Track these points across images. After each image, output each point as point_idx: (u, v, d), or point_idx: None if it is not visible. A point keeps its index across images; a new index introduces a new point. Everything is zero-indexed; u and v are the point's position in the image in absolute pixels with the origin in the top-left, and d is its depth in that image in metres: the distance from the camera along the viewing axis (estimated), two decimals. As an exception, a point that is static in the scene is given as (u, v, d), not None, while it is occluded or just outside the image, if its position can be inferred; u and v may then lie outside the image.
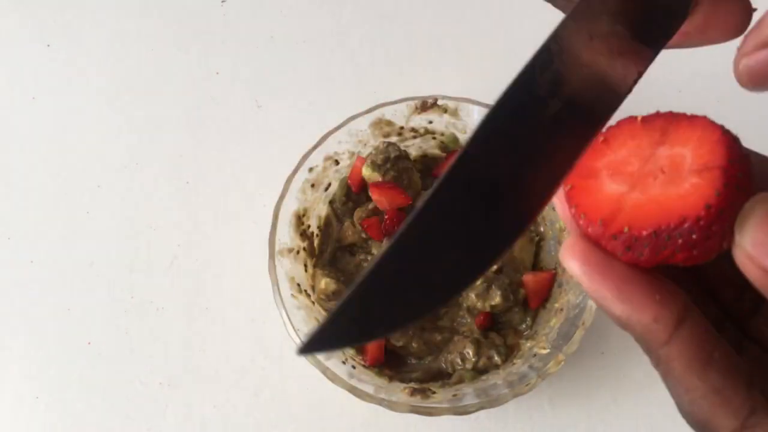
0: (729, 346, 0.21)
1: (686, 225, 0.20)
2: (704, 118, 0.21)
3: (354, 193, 0.56)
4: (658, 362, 0.21)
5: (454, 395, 0.47)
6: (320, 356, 0.46)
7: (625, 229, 0.21)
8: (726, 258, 0.21)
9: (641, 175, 0.21)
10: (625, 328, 0.22)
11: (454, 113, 0.55)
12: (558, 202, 0.23)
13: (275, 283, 0.48)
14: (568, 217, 0.23)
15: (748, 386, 0.21)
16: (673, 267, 0.21)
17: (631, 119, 0.23)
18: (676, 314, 0.21)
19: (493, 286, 0.50)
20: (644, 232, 0.20)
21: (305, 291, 0.51)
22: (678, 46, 0.24)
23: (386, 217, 0.53)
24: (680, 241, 0.20)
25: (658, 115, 0.22)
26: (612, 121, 0.22)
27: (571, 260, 0.22)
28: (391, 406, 0.44)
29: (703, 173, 0.20)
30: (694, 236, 0.20)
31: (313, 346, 0.20)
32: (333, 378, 0.45)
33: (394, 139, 0.56)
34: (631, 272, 0.21)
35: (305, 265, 0.53)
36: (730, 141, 0.20)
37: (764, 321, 0.24)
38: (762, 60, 0.22)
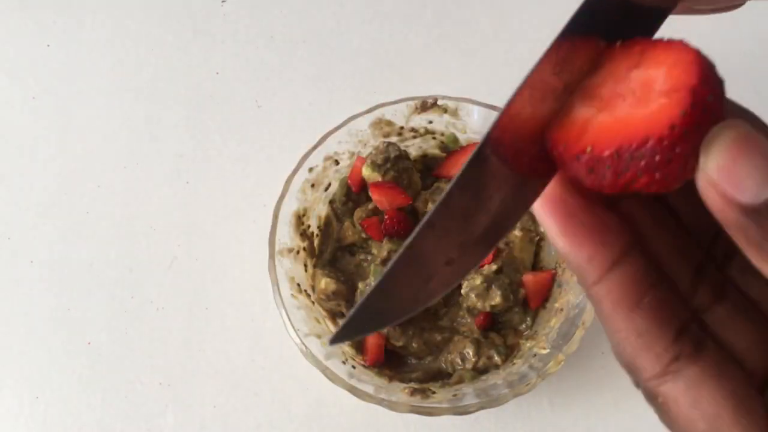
0: (670, 293, 0.21)
1: (649, 145, 0.19)
2: (681, 41, 0.21)
3: (354, 193, 0.56)
4: (590, 299, 0.22)
5: (454, 395, 0.47)
6: (320, 356, 0.46)
7: (588, 149, 0.20)
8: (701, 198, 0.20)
9: (612, 97, 0.21)
10: (566, 263, 0.22)
11: (454, 113, 0.55)
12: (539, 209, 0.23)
13: (275, 283, 0.48)
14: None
15: (678, 334, 0.21)
16: (641, 198, 0.21)
17: (609, 44, 0.22)
18: (611, 256, 0.21)
19: (493, 286, 0.50)
20: (606, 152, 0.20)
21: (305, 291, 0.51)
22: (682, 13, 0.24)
23: (386, 217, 0.53)
24: (642, 162, 0.19)
25: (636, 40, 0.21)
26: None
27: (544, 213, 0.22)
28: (391, 406, 0.44)
29: (671, 94, 0.19)
30: (657, 158, 0.19)
31: (345, 333, 0.21)
32: (333, 378, 0.45)
33: (394, 139, 0.56)
34: (581, 210, 0.21)
35: (305, 265, 0.53)
36: (703, 63, 0.20)
37: (739, 266, 0.24)
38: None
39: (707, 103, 0.19)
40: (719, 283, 0.24)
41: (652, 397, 0.21)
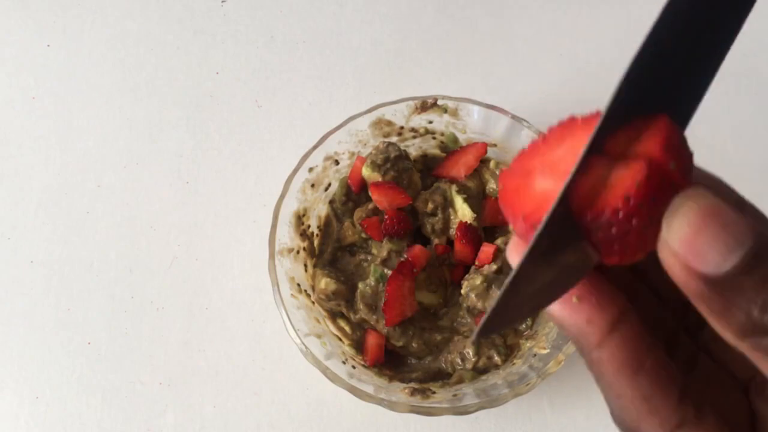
0: (665, 356, 0.21)
1: (604, 217, 0.18)
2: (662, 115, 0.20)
3: (354, 193, 0.56)
4: (590, 365, 0.21)
5: (454, 395, 0.47)
6: (320, 356, 0.46)
7: (521, 218, 0.20)
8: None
9: (568, 170, 0.20)
10: (560, 328, 0.21)
11: (454, 113, 0.55)
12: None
13: (275, 283, 0.48)
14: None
15: (680, 397, 0.20)
16: (623, 274, 0.21)
17: (571, 119, 0.21)
18: (610, 318, 0.21)
19: (493, 286, 0.50)
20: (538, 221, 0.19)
21: (305, 291, 0.51)
22: None
23: (386, 217, 0.53)
24: (600, 234, 0.19)
25: (599, 113, 0.20)
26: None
27: (513, 257, 0.22)
28: (391, 406, 0.44)
29: (631, 164, 0.19)
30: (613, 230, 0.19)
31: (490, 328, 0.20)
32: (333, 378, 0.45)
33: (394, 139, 0.56)
34: None
35: (305, 265, 0.53)
36: (669, 132, 0.19)
37: (710, 334, 0.23)
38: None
39: (666, 174, 0.19)
40: (693, 352, 0.23)
41: None
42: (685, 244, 0.18)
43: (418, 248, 0.52)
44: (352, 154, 0.55)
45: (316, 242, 0.54)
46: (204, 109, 0.64)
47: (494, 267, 0.51)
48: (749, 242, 0.18)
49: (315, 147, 0.53)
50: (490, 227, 0.55)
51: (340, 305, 0.52)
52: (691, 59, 0.21)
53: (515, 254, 0.21)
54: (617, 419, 0.21)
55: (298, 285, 0.51)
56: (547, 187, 0.20)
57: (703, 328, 0.24)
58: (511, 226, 0.21)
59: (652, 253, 0.20)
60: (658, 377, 0.20)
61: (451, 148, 0.57)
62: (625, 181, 0.18)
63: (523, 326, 0.52)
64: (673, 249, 0.18)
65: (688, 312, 0.24)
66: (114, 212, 0.59)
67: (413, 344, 0.51)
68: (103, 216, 0.59)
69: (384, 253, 0.52)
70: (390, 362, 0.51)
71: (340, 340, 0.51)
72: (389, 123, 0.55)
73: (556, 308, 0.21)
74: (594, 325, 0.21)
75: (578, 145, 0.20)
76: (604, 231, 0.19)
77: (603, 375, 0.21)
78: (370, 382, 0.47)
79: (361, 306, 0.51)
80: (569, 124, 0.21)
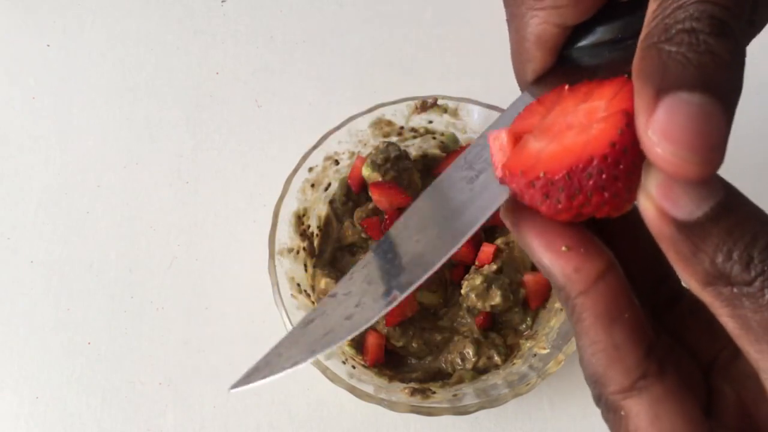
0: (641, 311, 0.22)
1: (594, 163, 0.20)
2: (623, 76, 0.22)
3: (354, 193, 0.56)
4: (572, 311, 0.22)
5: (454, 395, 0.47)
6: (320, 356, 0.46)
7: (541, 174, 0.21)
8: (644, 244, 0.22)
9: (560, 129, 0.22)
10: (548, 276, 0.23)
11: (454, 113, 0.55)
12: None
13: (275, 283, 0.48)
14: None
15: (648, 352, 0.22)
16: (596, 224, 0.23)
17: (560, 87, 0.24)
18: (598, 268, 0.22)
19: (493, 286, 0.50)
20: (558, 175, 0.21)
21: (305, 291, 0.51)
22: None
23: (386, 217, 0.53)
24: (591, 182, 0.21)
25: (585, 82, 0.23)
26: None
27: (505, 216, 0.23)
28: (391, 406, 0.44)
29: (609, 118, 0.21)
30: (603, 175, 0.20)
31: (248, 379, 0.25)
32: (333, 378, 0.45)
33: (394, 139, 0.56)
34: (560, 224, 0.22)
35: (305, 265, 0.53)
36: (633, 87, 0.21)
37: (677, 319, 0.25)
38: (667, 121, 0.20)
39: None
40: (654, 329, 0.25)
41: (613, 410, 0.23)
42: (661, 190, 0.20)
43: (418, 248, 0.52)
44: (352, 154, 0.55)
45: (316, 242, 0.54)
46: (204, 109, 0.64)
47: (494, 267, 0.51)
48: (721, 193, 0.19)
49: (315, 147, 0.53)
50: (490, 227, 0.55)
51: (340, 305, 0.52)
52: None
53: (506, 211, 0.23)
54: (586, 364, 0.23)
55: (298, 285, 0.51)
56: (539, 146, 0.22)
57: (671, 309, 0.25)
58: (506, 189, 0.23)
59: (624, 228, 0.24)
60: (632, 330, 0.22)
61: (451, 148, 0.57)
62: (607, 130, 0.21)
63: (523, 326, 0.52)
64: (650, 193, 0.20)
65: (657, 293, 0.26)
66: (114, 212, 0.59)
67: (413, 344, 0.51)
68: (103, 216, 0.59)
69: (384, 253, 0.52)
70: (390, 362, 0.51)
71: (340, 340, 0.51)
72: (389, 123, 0.55)
73: (545, 255, 0.22)
74: (581, 273, 0.22)
75: (566, 107, 0.23)
76: (595, 177, 0.21)
77: (582, 321, 0.22)
78: (370, 382, 0.47)
79: (361, 306, 0.51)
80: (558, 92, 0.24)
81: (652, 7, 0.21)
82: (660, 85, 0.19)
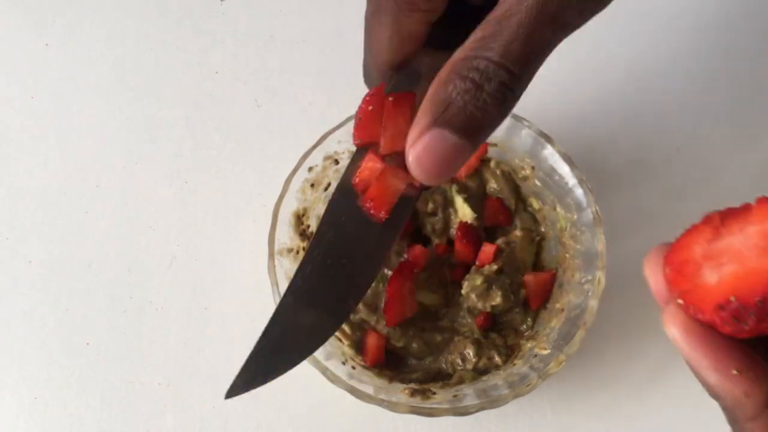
0: None
1: (748, 308, 0.21)
2: (763, 198, 0.23)
3: (354, 193, 0.56)
4: None
5: (455, 396, 0.47)
6: (320, 356, 0.46)
7: (732, 299, 0.21)
8: None
9: (732, 254, 0.22)
10: (715, 397, 0.23)
11: (455, 113, 0.55)
12: (651, 274, 0.25)
13: (275, 283, 0.48)
14: (660, 287, 0.24)
15: None
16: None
17: (746, 206, 0.24)
18: (766, 392, 0.22)
19: (494, 287, 0.50)
20: (752, 300, 0.21)
21: (305, 291, 0.51)
22: None
23: (386, 217, 0.53)
24: (736, 325, 0.21)
25: (729, 209, 0.24)
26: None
27: (673, 328, 0.23)
28: (391, 406, 0.44)
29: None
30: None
31: (237, 389, 0.28)
32: (333, 378, 0.45)
33: (394, 138, 0.56)
34: (729, 345, 0.22)
35: (305, 266, 0.52)
36: None
37: None
38: (425, 148, 0.27)
39: None
40: None
41: None
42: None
43: (418, 248, 0.52)
44: (352, 153, 0.55)
45: (316, 242, 0.54)
46: (203, 109, 0.64)
47: (495, 267, 0.51)
48: None
49: (315, 147, 0.52)
50: (490, 227, 0.55)
51: (340, 305, 0.52)
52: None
53: (673, 323, 0.23)
54: None
55: (298, 285, 0.51)
56: (716, 271, 0.22)
57: None
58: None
59: None
60: None
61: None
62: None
63: (524, 326, 0.52)
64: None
65: None
66: (113, 212, 0.59)
67: (413, 345, 0.51)
68: (102, 216, 0.59)
69: (384, 253, 0.52)
70: (390, 363, 0.51)
71: (340, 340, 0.50)
72: (389, 123, 0.55)
73: (713, 376, 0.22)
74: (751, 399, 0.22)
75: (754, 236, 0.22)
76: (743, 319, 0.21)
77: None
78: (370, 382, 0.47)
79: (361, 306, 0.51)
80: (743, 211, 0.23)
81: (475, 35, 0.26)
82: (435, 118, 0.26)
